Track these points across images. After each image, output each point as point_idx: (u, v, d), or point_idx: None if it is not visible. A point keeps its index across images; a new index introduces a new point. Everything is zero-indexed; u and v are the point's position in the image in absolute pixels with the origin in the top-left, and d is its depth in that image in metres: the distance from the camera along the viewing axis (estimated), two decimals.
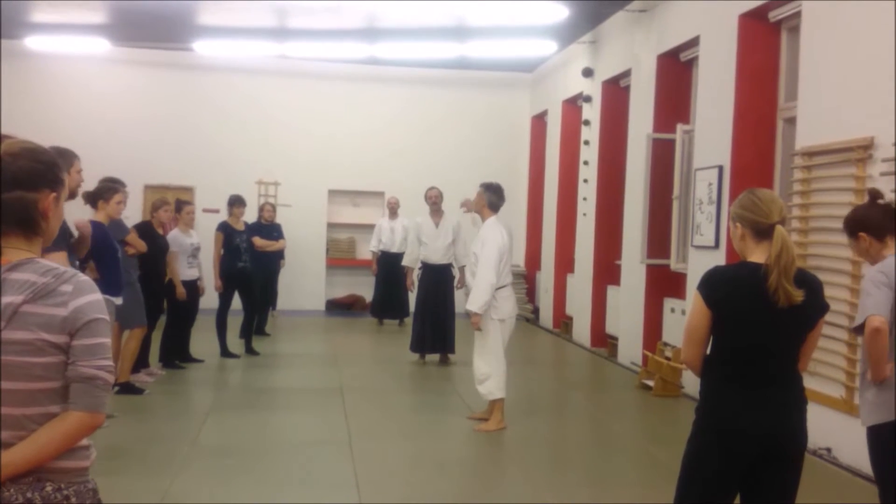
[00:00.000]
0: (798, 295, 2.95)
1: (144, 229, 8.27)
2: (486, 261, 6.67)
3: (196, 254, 9.16)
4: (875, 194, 3.89)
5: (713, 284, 3.06)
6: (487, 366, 6.78)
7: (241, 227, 9.98)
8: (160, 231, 8.64)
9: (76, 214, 5.89)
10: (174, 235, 8.93)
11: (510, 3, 10.23)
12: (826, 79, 6.50)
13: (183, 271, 8.86)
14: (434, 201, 10.00)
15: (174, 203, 9.56)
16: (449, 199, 10.31)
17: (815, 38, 6.69)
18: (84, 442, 2.07)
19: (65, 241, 5.29)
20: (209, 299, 10.18)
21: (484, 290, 6.63)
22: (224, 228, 9.83)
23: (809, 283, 3.05)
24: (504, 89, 15.22)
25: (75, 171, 5.78)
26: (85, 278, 2.05)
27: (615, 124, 11.34)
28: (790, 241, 3.02)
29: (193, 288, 9.07)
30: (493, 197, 6.99)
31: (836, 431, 6.00)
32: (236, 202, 10.02)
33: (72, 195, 6.02)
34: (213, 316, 9.91)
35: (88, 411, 2.00)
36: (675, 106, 9.60)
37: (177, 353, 9.15)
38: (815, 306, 3.05)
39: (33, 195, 2.05)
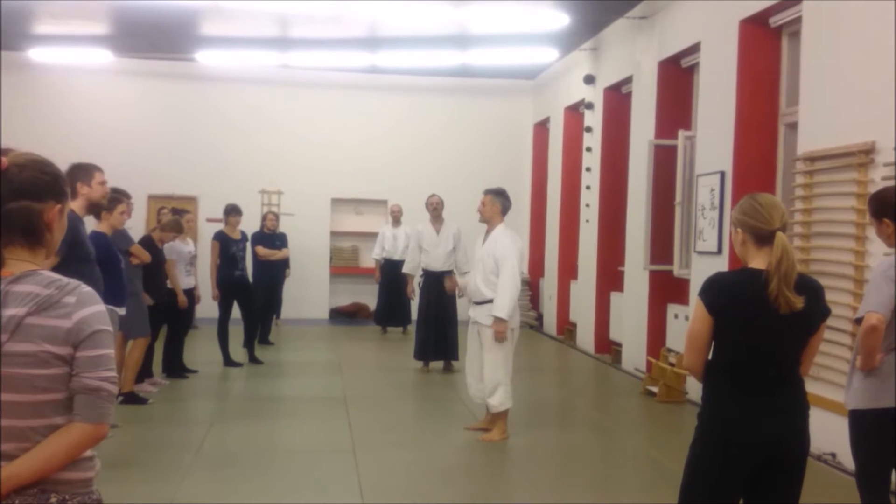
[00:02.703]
0: (798, 302, 2.95)
1: (147, 243, 8.29)
2: (510, 268, 6.55)
3: (193, 262, 9.19)
4: None
5: (714, 291, 3.06)
6: (496, 377, 6.70)
7: (237, 235, 9.99)
8: (159, 245, 8.63)
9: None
10: (172, 244, 8.95)
11: (511, 10, 10.26)
12: (827, 83, 6.51)
13: (180, 280, 8.88)
14: (435, 208, 10.01)
15: (171, 211, 9.59)
16: (451, 206, 10.33)
17: (815, 43, 6.70)
18: (88, 453, 2.08)
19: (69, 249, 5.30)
20: (210, 308, 10.20)
21: (510, 297, 6.53)
22: (220, 237, 9.84)
23: (810, 287, 3.05)
24: (506, 97, 15.25)
25: (97, 183, 5.82)
26: (88, 289, 2.06)
27: (617, 131, 11.35)
28: (791, 247, 3.01)
29: (190, 296, 9.10)
30: (506, 202, 6.88)
31: (840, 436, 5.93)
32: (232, 211, 10.04)
33: (98, 206, 6.06)
34: (214, 325, 9.93)
35: (93, 423, 2.01)
36: (677, 112, 9.61)
37: (177, 362, 9.15)
38: (816, 311, 3.05)
39: (39, 206, 2.07)
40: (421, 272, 10.17)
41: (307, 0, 10.18)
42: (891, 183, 5.57)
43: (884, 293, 3.69)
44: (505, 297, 6.53)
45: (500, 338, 6.60)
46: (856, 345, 3.92)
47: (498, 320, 6.55)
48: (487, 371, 6.74)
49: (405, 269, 10.77)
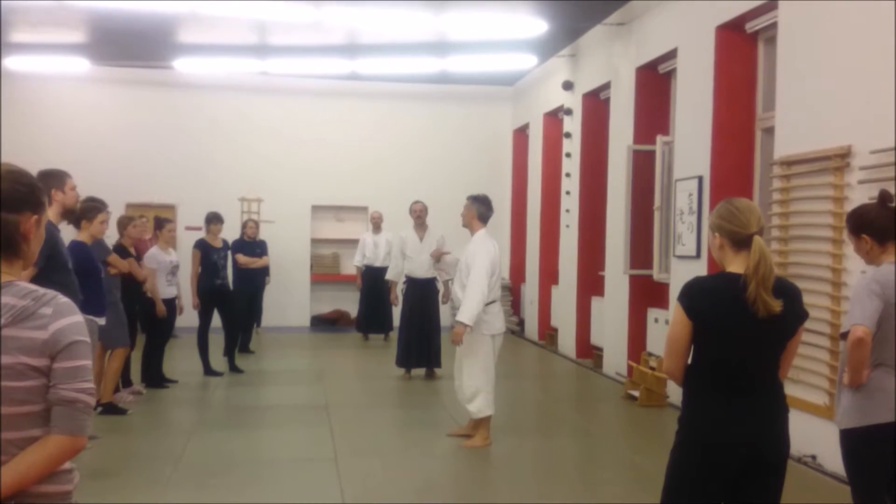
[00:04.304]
0: (776, 305, 2.97)
1: (119, 251, 8.17)
2: (478, 273, 6.57)
3: (175, 272, 9.11)
4: (885, 197, 3.84)
5: (693, 295, 3.08)
6: (476, 383, 6.70)
7: (218, 244, 9.94)
8: (132, 250, 8.43)
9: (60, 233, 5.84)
10: (153, 253, 8.89)
11: (490, 18, 10.30)
12: (803, 88, 6.57)
13: (162, 289, 8.80)
14: (419, 215, 10.00)
15: (153, 220, 9.48)
16: (433, 212, 10.33)
17: (791, 49, 6.77)
18: (67, 465, 2.06)
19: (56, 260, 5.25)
20: (190, 318, 10.13)
21: (476, 302, 6.52)
22: (201, 246, 9.78)
23: (788, 291, 3.07)
24: (485, 103, 15.29)
25: (69, 189, 5.80)
26: (65, 300, 2.04)
27: (596, 136, 11.41)
28: (768, 251, 3.04)
29: (171, 306, 9.01)
30: (482, 208, 6.89)
31: (820, 438, 6.03)
32: (213, 219, 9.99)
33: (70, 212, 6.06)
34: (194, 334, 9.86)
35: (70, 435, 1.99)
36: (655, 117, 9.68)
37: (156, 372, 9.07)
38: (794, 314, 3.07)
39: (15, 217, 2.05)
40: (404, 279, 10.16)
41: (286, 4, 10.14)
42: (867, 187, 5.64)
43: (867, 307, 3.65)
44: (470, 303, 6.53)
45: (454, 339, 6.60)
46: (841, 362, 3.88)
47: (458, 323, 6.57)
48: (466, 377, 6.76)
49: (388, 276, 10.74)
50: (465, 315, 6.52)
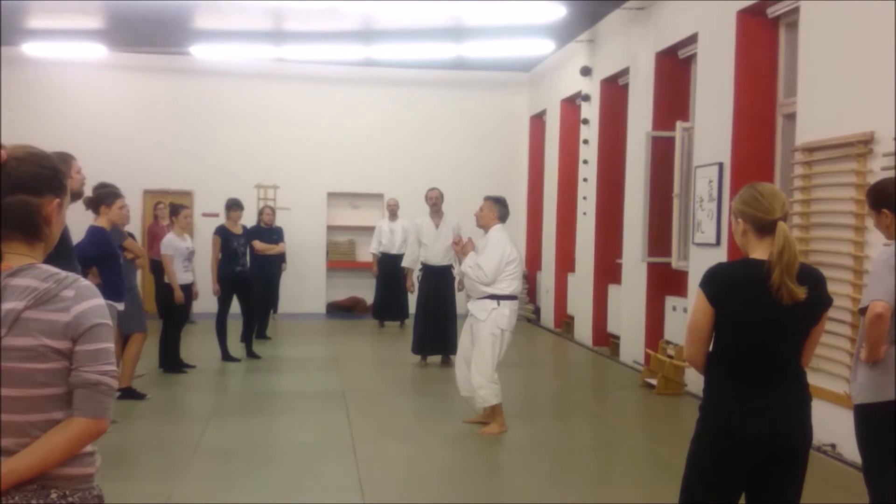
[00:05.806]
0: (801, 292, 2.93)
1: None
2: (487, 260, 6.64)
3: (191, 257, 9.13)
4: None
5: (716, 282, 3.04)
6: (482, 377, 6.69)
7: (238, 230, 9.94)
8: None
9: (73, 218, 5.86)
10: (170, 239, 8.92)
11: (507, 2, 10.23)
12: (825, 74, 6.49)
13: (178, 275, 8.82)
14: (434, 202, 9.98)
15: (169, 206, 9.45)
16: (449, 199, 10.30)
17: (813, 34, 6.69)
18: (89, 448, 2.05)
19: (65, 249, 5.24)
20: (208, 303, 10.17)
21: (475, 274, 6.64)
22: (221, 232, 9.80)
23: (812, 277, 3.02)
24: (502, 89, 15.21)
25: (75, 172, 5.77)
26: (86, 283, 2.03)
27: (614, 123, 11.33)
28: (792, 237, 2.99)
29: (188, 292, 9.04)
30: (503, 210, 6.97)
31: (840, 427, 5.96)
32: (233, 206, 9.99)
33: (76, 196, 6.02)
34: (213, 320, 9.90)
35: (93, 417, 1.98)
36: (675, 103, 9.59)
37: (174, 358, 9.11)
38: (818, 301, 3.03)
39: (37, 200, 2.04)
40: (420, 266, 10.15)
41: None
42: (890, 173, 5.56)
43: (887, 282, 3.65)
44: (474, 271, 6.64)
45: (455, 245, 7.13)
46: (859, 337, 3.87)
47: (462, 263, 6.82)
48: (474, 367, 6.76)
49: (404, 263, 10.74)
50: (470, 267, 6.70)
